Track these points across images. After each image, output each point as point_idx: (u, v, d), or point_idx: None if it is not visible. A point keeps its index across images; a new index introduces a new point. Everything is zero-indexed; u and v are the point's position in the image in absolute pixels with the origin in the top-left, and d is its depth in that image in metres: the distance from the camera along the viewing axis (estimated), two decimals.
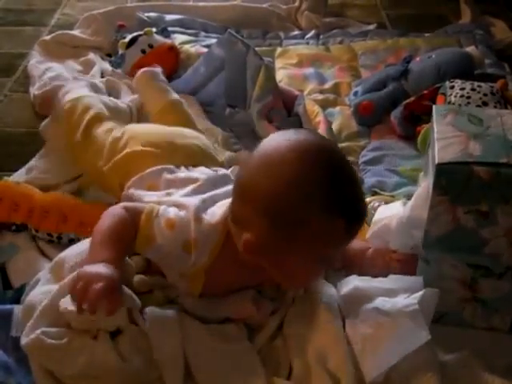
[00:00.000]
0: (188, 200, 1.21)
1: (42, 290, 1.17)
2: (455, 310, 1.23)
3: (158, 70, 1.83)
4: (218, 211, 1.17)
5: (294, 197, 1.05)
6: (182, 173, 1.34)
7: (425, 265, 1.19)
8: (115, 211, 1.17)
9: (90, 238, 1.15)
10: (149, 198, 1.28)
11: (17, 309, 1.18)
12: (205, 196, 1.21)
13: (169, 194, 1.27)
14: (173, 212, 1.16)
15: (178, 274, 1.19)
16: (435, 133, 1.15)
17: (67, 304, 1.06)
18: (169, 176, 1.33)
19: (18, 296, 1.27)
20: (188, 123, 1.62)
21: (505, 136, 1.12)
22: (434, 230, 1.13)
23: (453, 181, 1.08)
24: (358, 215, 1.10)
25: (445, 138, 1.12)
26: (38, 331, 1.07)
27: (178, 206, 1.19)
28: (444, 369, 1.10)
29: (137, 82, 1.80)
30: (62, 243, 1.43)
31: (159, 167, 1.35)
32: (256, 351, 1.15)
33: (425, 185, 1.19)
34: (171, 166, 1.36)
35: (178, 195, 1.26)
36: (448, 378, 1.09)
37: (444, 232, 1.13)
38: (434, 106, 1.25)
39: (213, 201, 1.20)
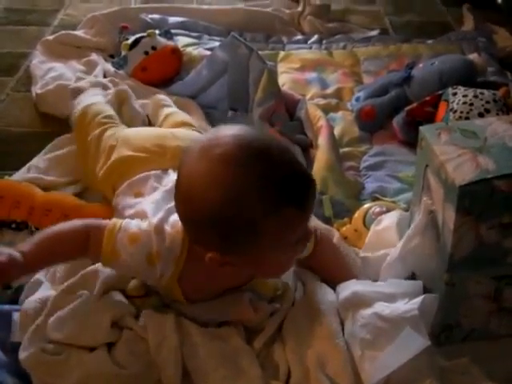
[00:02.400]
0: (152, 210, 1.21)
1: (37, 298, 1.19)
2: (482, 324, 1.22)
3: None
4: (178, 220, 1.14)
5: (234, 206, 1.00)
6: (168, 176, 1.33)
7: (449, 288, 1.16)
8: (76, 225, 1.16)
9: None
10: (131, 209, 1.29)
11: (16, 315, 1.18)
12: (170, 206, 1.17)
13: (148, 200, 1.28)
14: (135, 225, 1.15)
15: (159, 286, 1.19)
16: (439, 155, 1.13)
17: None
18: (155, 183, 1.33)
19: (16, 295, 1.27)
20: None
21: (506, 145, 1.12)
22: (458, 252, 1.12)
23: (476, 200, 1.06)
24: (304, 194, 1.06)
25: (452, 159, 1.10)
26: (37, 347, 1.08)
27: (142, 214, 1.20)
28: (443, 375, 1.10)
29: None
30: None
31: (146, 174, 1.35)
32: (255, 354, 1.14)
33: (420, 218, 1.20)
34: (158, 172, 1.36)
35: (148, 201, 1.26)
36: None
37: (468, 252, 1.11)
38: (420, 128, 1.23)
39: None
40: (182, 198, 1.07)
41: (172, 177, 1.31)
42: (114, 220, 1.17)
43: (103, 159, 1.46)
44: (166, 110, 1.74)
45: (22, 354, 1.09)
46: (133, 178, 1.36)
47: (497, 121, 1.19)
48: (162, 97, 1.83)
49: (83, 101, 1.70)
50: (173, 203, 1.14)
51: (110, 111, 1.65)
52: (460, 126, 1.19)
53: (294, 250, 1.11)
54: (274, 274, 1.19)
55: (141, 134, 1.52)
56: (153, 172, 1.36)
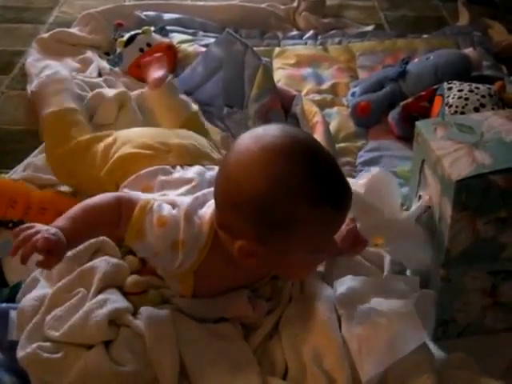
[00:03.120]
0: (181, 199, 1.20)
1: (34, 296, 1.18)
2: (478, 319, 1.23)
3: (170, 77, 1.79)
4: (207, 212, 1.15)
5: (278, 197, 1.02)
6: (177, 173, 1.33)
7: (445, 284, 1.17)
8: (109, 197, 1.16)
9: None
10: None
11: (13, 313, 1.18)
12: (198, 194, 1.19)
13: (163, 196, 1.26)
14: (166, 209, 1.14)
15: (168, 275, 1.19)
16: (435, 150, 1.13)
17: None
18: (163, 177, 1.31)
19: (13, 294, 1.27)
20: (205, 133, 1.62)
21: (503, 139, 1.12)
22: (455, 247, 1.12)
23: (473, 195, 1.07)
24: (343, 199, 1.07)
25: (448, 154, 1.11)
26: (34, 345, 1.08)
27: (173, 203, 1.18)
28: (440, 370, 1.10)
29: (157, 93, 1.73)
30: None
31: (155, 168, 1.34)
32: (252, 351, 1.15)
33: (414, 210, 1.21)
34: (167, 167, 1.35)
35: (172, 195, 1.25)
36: (444, 379, 1.09)
37: (465, 247, 1.12)
38: (416, 123, 1.24)
39: (205, 200, 1.18)
40: (227, 180, 1.08)
41: (182, 173, 1.31)
42: (147, 198, 1.16)
43: (100, 161, 1.44)
44: None
45: (20, 353, 1.08)
46: (138, 172, 1.35)
47: (493, 115, 1.19)
48: None
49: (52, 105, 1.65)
50: (204, 192, 1.18)
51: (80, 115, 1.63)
52: (456, 121, 1.19)
53: (311, 257, 1.12)
54: (295, 276, 1.20)
55: (142, 132, 1.51)
56: (160, 166, 1.35)
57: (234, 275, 1.19)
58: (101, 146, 1.47)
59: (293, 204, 1.02)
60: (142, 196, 1.19)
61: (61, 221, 1.10)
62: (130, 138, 1.46)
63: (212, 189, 1.15)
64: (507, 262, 1.14)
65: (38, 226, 1.05)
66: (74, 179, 1.51)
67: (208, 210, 1.15)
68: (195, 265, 1.14)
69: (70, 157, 1.51)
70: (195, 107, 1.73)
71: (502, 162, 1.07)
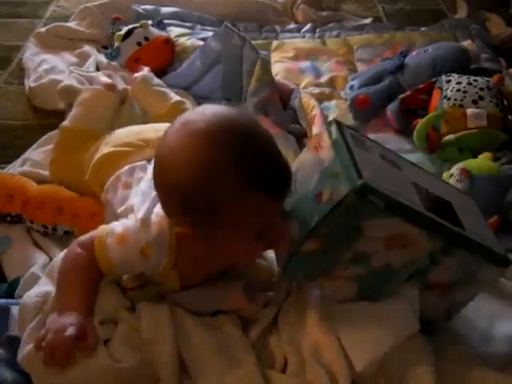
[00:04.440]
0: (140, 201, 1.20)
1: (36, 293, 1.17)
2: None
3: (150, 73, 1.80)
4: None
5: (201, 184, 0.99)
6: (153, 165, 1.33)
7: None
8: (74, 255, 1.16)
9: (57, 282, 1.15)
10: (121, 205, 1.29)
11: (14, 309, 1.18)
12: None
13: (136, 191, 1.27)
14: (120, 226, 1.16)
15: (155, 275, 1.19)
16: None
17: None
18: (141, 174, 1.32)
19: (12, 289, 1.27)
20: None
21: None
22: None
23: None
24: (275, 183, 1.03)
25: None
26: (29, 346, 1.07)
27: (131, 208, 1.21)
28: (437, 363, 1.10)
29: (133, 91, 1.75)
30: (57, 235, 1.43)
31: (131, 165, 1.35)
32: (250, 344, 1.15)
33: None
34: (143, 163, 1.35)
35: (135, 193, 1.26)
36: (441, 371, 1.09)
37: None
38: None
39: None
40: (156, 169, 1.08)
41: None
42: (100, 229, 1.17)
43: (86, 165, 1.45)
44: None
45: (21, 354, 1.08)
46: (119, 170, 1.36)
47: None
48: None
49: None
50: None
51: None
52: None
53: (253, 242, 1.08)
54: (242, 261, 1.19)
55: (121, 132, 1.51)
56: (138, 163, 1.36)
57: (211, 259, 1.17)
58: (88, 152, 1.47)
59: (216, 191, 1.00)
60: (97, 230, 1.18)
61: (68, 302, 1.11)
62: (111, 139, 1.47)
63: None
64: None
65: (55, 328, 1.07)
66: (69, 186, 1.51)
67: None
68: (171, 260, 1.15)
69: (68, 167, 1.52)
70: (176, 98, 1.70)
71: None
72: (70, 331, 1.04)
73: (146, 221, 1.14)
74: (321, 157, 1.09)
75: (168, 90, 1.75)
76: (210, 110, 1.06)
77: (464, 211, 1.15)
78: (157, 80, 1.79)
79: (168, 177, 1.03)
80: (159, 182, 1.08)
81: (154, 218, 1.15)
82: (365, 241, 1.03)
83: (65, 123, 1.56)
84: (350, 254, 1.05)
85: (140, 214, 1.16)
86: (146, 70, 1.81)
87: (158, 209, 1.15)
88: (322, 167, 1.07)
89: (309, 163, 1.12)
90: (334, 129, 1.10)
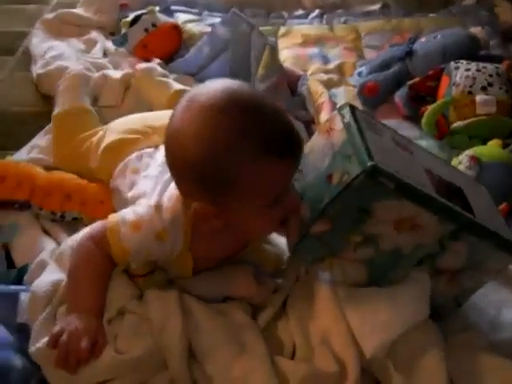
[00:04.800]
0: (152, 186, 1.21)
1: (47, 281, 1.18)
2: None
3: (153, 64, 1.82)
4: (174, 188, 1.15)
5: (213, 156, 1.00)
6: (160, 151, 1.33)
7: None
8: (85, 250, 1.16)
9: (68, 278, 1.16)
10: (131, 190, 1.29)
11: (23, 295, 1.19)
12: (167, 176, 1.19)
13: (146, 176, 1.28)
14: (132, 214, 1.15)
15: (167, 262, 1.20)
16: None
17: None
18: (148, 159, 1.33)
19: (21, 275, 1.27)
20: None
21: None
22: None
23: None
24: (287, 146, 1.04)
25: None
26: (45, 340, 1.07)
27: (143, 194, 1.21)
28: (447, 349, 1.10)
29: (136, 82, 1.79)
30: (66, 221, 1.44)
31: (139, 153, 1.36)
32: (259, 330, 1.15)
33: None
34: (150, 150, 1.36)
35: (146, 178, 1.27)
36: (451, 357, 1.09)
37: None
38: None
39: None
40: (167, 145, 1.08)
41: (163, 151, 1.31)
42: (111, 218, 1.17)
43: (93, 153, 1.46)
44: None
45: (32, 347, 1.08)
46: (127, 157, 1.37)
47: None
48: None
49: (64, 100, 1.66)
50: (168, 174, 1.16)
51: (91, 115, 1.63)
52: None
53: (269, 210, 1.08)
54: (260, 232, 1.17)
55: (127, 119, 1.52)
56: (145, 150, 1.36)
57: (226, 240, 1.18)
58: (94, 139, 1.48)
59: (230, 161, 1.00)
60: (108, 220, 1.18)
61: (83, 301, 1.13)
62: (117, 127, 1.48)
63: None
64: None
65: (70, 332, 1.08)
66: (77, 173, 1.52)
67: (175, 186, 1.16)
68: (187, 242, 1.15)
69: (72, 155, 1.53)
70: (177, 86, 1.71)
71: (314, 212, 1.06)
72: (85, 344, 1.06)
73: (159, 206, 1.14)
74: (332, 140, 1.09)
75: (170, 80, 1.76)
76: (215, 84, 1.07)
77: (475, 198, 1.15)
78: (160, 70, 1.81)
79: (181, 154, 1.03)
80: (173, 160, 1.07)
81: (166, 202, 1.15)
82: (374, 223, 1.03)
83: (54, 112, 1.61)
84: (360, 235, 1.06)
85: (152, 200, 1.16)
86: (154, 62, 1.83)
87: (171, 192, 1.15)
88: (334, 150, 1.07)
89: (320, 147, 1.12)
90: (346, 112, 1.10)
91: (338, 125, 1.09)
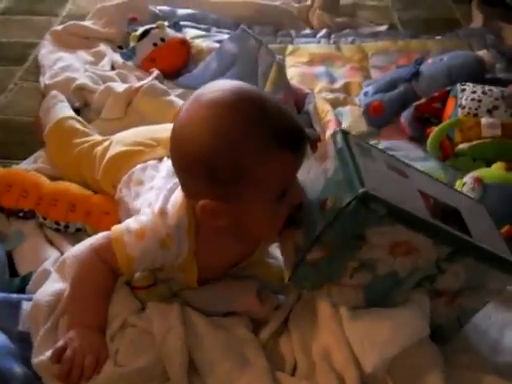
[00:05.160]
0: (156, 196, 1.21)
1: (49, 291, 1.18)
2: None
3: (153, 82, 1.83)
4: (178, 195, 1.16)
5: (221, 150, 1.01)
6: (166, 163, 1.33)
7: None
8: (88, 263, 1.17)
9: (70, 291, 1.16)
10: (138, 198, 1.30)
11: (25, 304, 1.18)
12: (173, 182, 1.20)
13: (151, 188, 1.28)
14: (135, 223, 1.16)
15: (172, 269, 1.20)
16: None
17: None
18: (152, 172, 1.34)
19: (24, 284, 1.27)
20: None
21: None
22: None
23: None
24: (292, 138, 1.05)
25: None
26: (48, 354, 1.08)
27: (144, 205, 1.22)
28: (448, 370, 1.10)
29: (137, 103, 1.79)
30: (69, 232, 1.44)
31: (143, 165, 1.36)
32: (261, 346, 1.14)
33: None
34: (155, 161, 1.36)
35: (150, 189, 1.27)
36: (450, 378, 1.09)
37: None
38: None
39: (178, 184, 1.18)
40: (175, 143, 1.08)
41: (167, 163, 1.32)
42: (114, 229, 1.17)
43: (98, 163, 1.47)
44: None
45: (35, 359, 1.09)
46: (132, 169, 1.37)
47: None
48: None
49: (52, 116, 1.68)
50: (172, 183, 1.17)
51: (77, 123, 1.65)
52: None
53: (276, 205, 1.08)
54: (268, 229, 1.15)
55: (133, 131, 1.52)
56: (150, 162, 1.37)
57: (231, 246, 1.19)
58: (99, 150, 1.49)
59: (238, 154, 1.01)
60: (112, 230, 1.18)
61: (87, 316, 1.14)
62: (122, 138, 1.48)
63: None
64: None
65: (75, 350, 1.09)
66: (83, 184, 1.52)
67: (179, 192, 1.16)
68: (192, 248, 1.15)
69: (76, 163, 1.53)
70: (182, 103, 1.71)
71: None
72: (89, 361, 1.07)
73: (163, 212, 1.15)
74: (326, 166, 1.10)
75: (173, 97, 1.77)
76: (221, 82, 1.09)
77: (473, 219, 1.15)
78: (161, 87, 1.82)
79: (190, 149, 1.04)
80: (180, 159, 1.08)
81: (170, 208, 1.15)
82: (369, 248, 1.03)
83: (45, 131, 1.63)
84: (356, 262, 1.06)
85: (156, 207, 1.16)
86: (155, 74, 1.85)
87: (175, 198, 1.16)
88: (327, 176, 1.08)
89: (315, 173, 1.13)
90: (339, 138, 1.11)
91: (331, 151, 1.10)
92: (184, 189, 1.12)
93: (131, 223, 1.16)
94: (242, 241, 1.19)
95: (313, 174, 1.13)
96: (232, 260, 1.23)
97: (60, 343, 1.09)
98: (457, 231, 1.07)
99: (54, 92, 1.78)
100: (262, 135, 1.02)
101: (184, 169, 1.08)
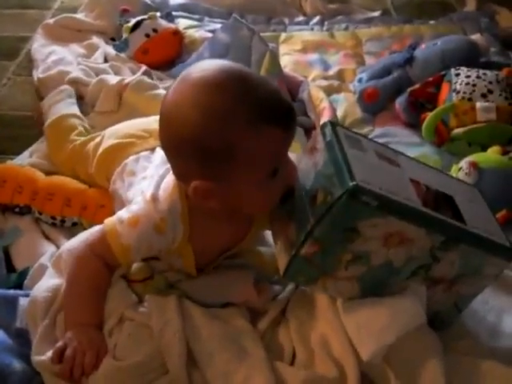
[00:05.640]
0: (147, 184, 1.21)
1: (46, 287, 1.18)
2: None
3: (142, 77, 1.84)
4: (169, 179, 1.16)
5: (211, 127, 1.01)
6: (156, 153, 1.34)
7: None
8: (84, 261, 1.16)
9: (66, 289, 1.16)
10: (131, 188, 1.30)
11: (22, 300, 1.18)
12: (165, 168, 1.20)
13: (144, 178, 1.28)
14: (127, 212, 1.16)
15: (168, 255, 1.20)
16: None
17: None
18: (145, 163, 1.33)
19: (21, 280, 1.27)
20: None
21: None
22: None
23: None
24: (280, 114, 1.05)
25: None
26: (49, 354, 1.08)
27: (137, 194, 1.22)
28: (447, 356, 1.10)
29: (126, 98, 1.80)
30: (65, 226, 1.44)
31: (136, 156, 1.36)
32: (259, 336, 1.14)
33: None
34: (147, 153, 1.36)
35: (142, 178, 1.28)
36: (451, 365, 1.09)
37: None
38: None
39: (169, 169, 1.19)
40: (162, 125, 1.08)
41: (160, 152, 1.31)
42: (107, 221, 1.17)
43: (92, 159, 1.47)
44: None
45: (35, 358, 1.09)
46: (125, 161, 1.37)
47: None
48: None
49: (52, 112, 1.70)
50: (164, 169, 1.18)
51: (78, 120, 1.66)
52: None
53: (268, 183, 1.08)
54: (260, 206, 1.14)
55: (124, 125, 1.52)
56: (142, 153, 1.37)
57: (225, 228, 1.19)
58: (91, 145, 1.49)
59: (227, 131, 1.01)
60: (104, 223, 1.18)
61: (84, 314, 1.14)
62: (114, 132, 1.48)
63: None
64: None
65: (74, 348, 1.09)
66: (77, 179, 1.52)
67: (170, 177, 1.16)
68: (187, 231, 1.15)
69: (70, 160, 1.54)
70: None
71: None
72: (90, 358, 1.07)
73: (154, 198, 1.15)
74: (315, 159, 1.09)
75: (161, 91, 1.77)
76: (205, 62, 1.10)
77: (467, 205, 1.15)
78: (148, 82, 1.82)
79: (177, 131, 1.04)
80: (168, 140, 1.08)
81: (162, 193, 1.15)
82: (363, 240, 1.03)
83: (46, 124, 1.65)
84: (349, 254, 1.05)
85: (148, 193, 1.16)
86: (143, 69, 1.88)
87: (166, 183, 1.16)
88: (316, 169, 1.07)
89: (305, 166, 1.12)
90: (327, 130, 1.10)
91: (320, 144, 1.09)
92: (175, 171, 1.12)
93: (123, 213, 1.16)
94: (234, 222, 1.19)
95: (303, 166, 1.12)
96: (226, 243, 1.23)
97: (59, 344, 1.09)
98: (450, 218, 1.07)
99: (64, 86, 1.79)
100: (250, 112, 1.01)
101: (173, 150, 1.08)
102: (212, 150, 1.02)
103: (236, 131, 1.01)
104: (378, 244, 1.04)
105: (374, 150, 1.12)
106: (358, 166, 1.02)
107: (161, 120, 1.09)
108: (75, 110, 1.71)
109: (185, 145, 1.03)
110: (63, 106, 1.70)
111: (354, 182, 0.98)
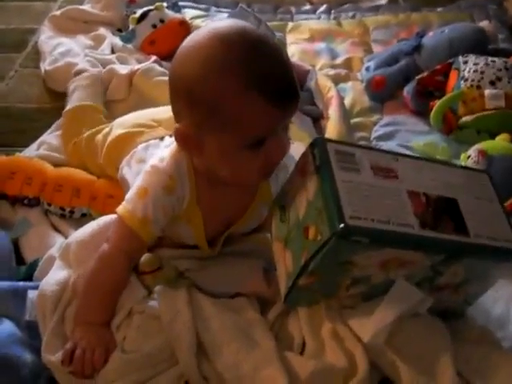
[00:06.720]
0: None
1: (54, 280, 1.18)
2: None
3: (152, 64, 1.85)
4: (173, 145, 1.18)
5: (207, 76, 1.03)
6: (165, 141, 1.33)
7: None
8: (110, 260, 1.16)
9: (84, 288, 1.15)
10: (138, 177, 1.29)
11: (31, 293, 1.19)
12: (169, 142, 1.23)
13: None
14: (132, 189, 1.17)
15: (179, 224, 1.20)
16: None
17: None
18: (154, 150, 1.33)
19: (30, 271, 1.28)
20: None
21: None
22: None
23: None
24: (277, 90, 1.03)
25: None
26: (56, 357, 1.08)
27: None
28: (456, 346, 1.10)
29: (135, 84, 1.82)
30: (74, 218, 1.44)
31: (145, 144, 1.36)
32: (268, 326, 1.14)
33: None
34: (156, 141, 1.36)
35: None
36: (460, 355, 1.09)
37: None
38: None
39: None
40: (172, 63, 1.11)
41: (167, 141, 1.31)
42: (117, 209, 1.17)
43: (100, 148, 1.47)
44: None
45: (46, 356, 1.09)
46: (134, 149, 1.37)
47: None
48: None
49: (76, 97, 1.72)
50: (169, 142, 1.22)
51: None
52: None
53: (250, 152, 1.08)
54: (230, 173, 1.13)
55: (133, 115, 1.53)
56: (151, 142, 1.36)
57: (228, 197, 1.20)
58: (100, 136, 1.50)
59: (219, 85, 1.02)
60: (116, 211, 1.18)
61: (100, 313, 1.15)
62: (122, 122, 1.49)
63: None
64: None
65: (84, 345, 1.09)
66: (87, 170, 1.54)
67: (173, 144, 1.18)
68: (193, 191, 1.17)
69: (79, 151, 1.55)
70: None
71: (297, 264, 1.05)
72: (99, 355, 1.08)
73: (161, 158, 1.17)
74: (306, 185, 1.06)
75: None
76: (231, 19, 1.17)
77: (472, 205, 1.11)
78: (158, 69, 1.83)
79: (178, 70, 1.08)
80: (171, 76, 1.12)
81: (167, 155, 1.17)
82: (360, 269, 1.02)
83: (66, 108, 1.67)
84: (348, 280, 1.05)
85: (149, 164, 1.18)
86: (153, 59, 1.88)
87: (169, 149, 1.18)
88: (308, 199, 1.05)
89: (297, 187, 1.09)
90: (317, 151, 1.06)
91: (310, 166, 1.06)
92: (172, 110, 1.14)
93: (129, 194, 1.17)
94: (236, 191, 1.20)
95: (295, 188, 1.10)
96: (231, 211, 1.23)
97: (69, 345, 1.09)
98: (451, 232, 1.04)
99: (94, 70, 1.84)
100: (247, 77, 1.02)
101: (172, 87, 1.11)
102: (201, 97, 1.04)
103: (227, 89, 1.02)
104: (376, 269, 1.03)
105: (370, 163, 1.06)
106: (347, 198, 0.99)
107: (173, 59, 1.11)
108: (97, 99, 1.72)
109: (180, 85, 1.07)
110: (86, 94, 1.71)
111: (342, 225, 0.95)
